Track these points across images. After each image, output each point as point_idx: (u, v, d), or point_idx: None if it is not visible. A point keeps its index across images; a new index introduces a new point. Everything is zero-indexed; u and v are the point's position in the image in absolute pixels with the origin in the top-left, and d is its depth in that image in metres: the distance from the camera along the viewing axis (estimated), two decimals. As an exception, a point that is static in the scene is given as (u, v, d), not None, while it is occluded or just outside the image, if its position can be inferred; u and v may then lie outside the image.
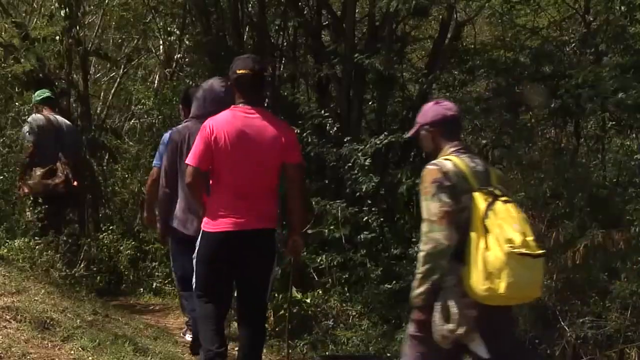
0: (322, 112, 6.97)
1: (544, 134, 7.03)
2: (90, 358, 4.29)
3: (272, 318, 6.25)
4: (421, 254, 3.38)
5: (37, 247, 5.61)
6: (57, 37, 8.06)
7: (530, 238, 3.25)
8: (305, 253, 6.57)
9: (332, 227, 6.58)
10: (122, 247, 7.70)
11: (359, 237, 6.44)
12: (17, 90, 8.47)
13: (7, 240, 5.74)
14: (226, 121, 4.13)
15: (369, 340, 5.79)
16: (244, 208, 4.07)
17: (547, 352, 4.96)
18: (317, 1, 8.43)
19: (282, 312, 6.11)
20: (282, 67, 9.04)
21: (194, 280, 4.27)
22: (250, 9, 8.99)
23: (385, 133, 6.71)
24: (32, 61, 7.81)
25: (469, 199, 3.35)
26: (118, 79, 10.06)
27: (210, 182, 4.16)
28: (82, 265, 6.41)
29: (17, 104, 8.52)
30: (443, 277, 3.35)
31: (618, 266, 4.95)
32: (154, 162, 5.24)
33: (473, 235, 3.30)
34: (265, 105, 8.63)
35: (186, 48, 9.57)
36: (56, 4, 8.11)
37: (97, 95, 10.04)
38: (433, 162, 3.46)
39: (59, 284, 5.46)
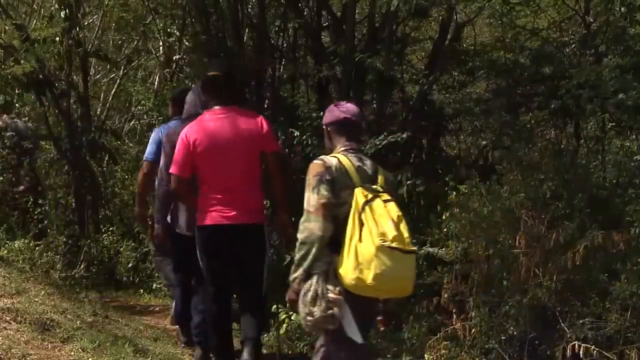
0: (322, 113, 6.96)
1: (543, 135, 7.04)
2: (90, 359, 4.30)
3: (271, 319, 6.25)
4: (297, 242, 3.57)
5: (37, 248, 5.62)
6: (57, 38, 8.06)
7: (405, 236, 3.51)
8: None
9: (332, 228, 6.57)
10: (122, 249, 7.71)
11: (358, 238, 6.43)
12: (17, 91, 8.47)
13: (7, 242, 5.74)
14: (200, 126, 4.44)
15: (368, 341, 5.78)
16: (232, 203, 4.33)
17: (547, 353, 4.96)
18: (317, 2, 8.43)
19: (282, 313, 6.12)
20: (282, 68, 9.05)
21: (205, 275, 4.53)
22: (250, 10, 8.99)
23: (385, 134, 6.71)
24: (32, 62, 7.81)
25: (349, 195, 3.57)
26: (118, 80, 10.07)
27: (198, 183, 4.44)
28: (82, 267, 6.42)
29: (17, 105, 8.51)
30: (314, 264, 3.54)
31: (618, 267, 4.94)
32: (145, 156, 5.47)
33: (349, 227, 3.50)
34: (265, 106, 8.69)
35: (186, 49, 9.57)
36: (56, 5, 8.12)
37: (97, 97, 10.05)
38: (320, 157, 3.71)
39: (59, 285, 5.47)
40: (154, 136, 5.46)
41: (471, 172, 6.59)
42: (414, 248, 3.61)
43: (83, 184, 8.36)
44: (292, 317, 6.03)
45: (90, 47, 8.97)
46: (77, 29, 8.27)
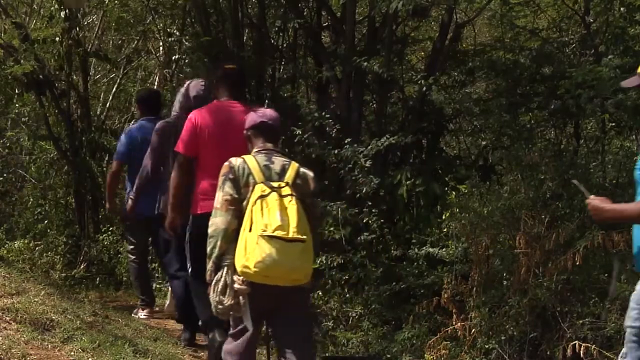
0: (323, 113, 6.97)
1: (543, 135, 7.04)
2: (90, 359, 4.30)
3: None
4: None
5: (37, 248, 5.62)
6: (57, 39, 8.06)
7: (292, 226, 3.74)
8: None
9: (332, 228, 6.58)
10: (122, 249, 7.70)
11: (359, 238, 6.44)
12: (17, 91, 8.47)
13: (7, 242, 5.74)
14: (210, 113, 4.78)
15: (368, 341, 5.79)
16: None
17: (546, 353, 4.96)
18: (317, 2, 8.43)
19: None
20: (281, 68, 9.04)
21: (189, 264, 4.86)
22: (250, 10, 8.98)
23: (387, 135, 6.71)
24: (32, 62, 7.81)
25: (251, 191, 3.88)
26: (118, 80, 10.06)
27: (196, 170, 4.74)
28: (82, 267, 6.42)
29: (17, 105, 8.51)
30: (222, 256, 3.88)
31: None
32: (115, 156, 6.03)
33: (245, 219, 3.82)
34: (265, 106, 8.68)
35: (186, 49, 9.57)
36: (56, 5, 8.11)
37: (96, 97, 10.04)
38: (231, 159, 4.05)
39: (59, 285, 5.47)
40: (123, 137, 5.93)
41: (471, 172, 6.59)
42: (301, 237, 3.76)
43: (83, 184, 8.35)
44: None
45: (90, 47, 8.96)
46: (77, 29, 8.27)
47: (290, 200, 3.83)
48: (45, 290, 5.13)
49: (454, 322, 5.30)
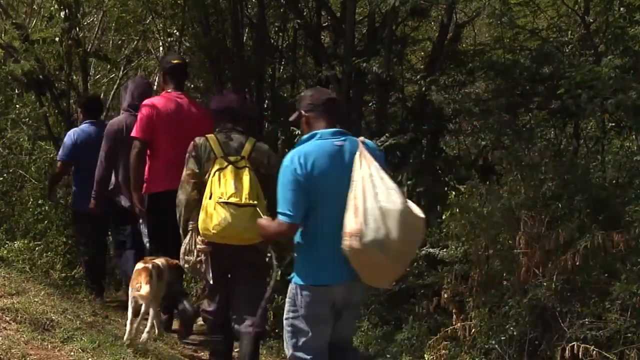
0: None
1: (543, 135, 7.03)
2: (90, 359, 4.30)
3: (271, 319, 6.25)
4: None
5: (37, 248, 5.62)
6: (57, 39, 8.05)
7: (244, 194, 4.32)
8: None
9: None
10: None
11: (359, 238, 6.43)
12: (17, 91, 8.46)
13: (7, 242, 5.74)
14: (162, 102, 5.41)
15: (368, 341, 5.79)
16: (173, 171, 4.94)
17: (546, 353, 4.96)
18: (317, 2, 8.43)
19: (282, 313, 6.11)
20: (281, 68, 9.05)
21: (145, 240, 5.48)
22: (250, 10, 8.98)
23: (387, 135, 6.71)
24: (31, 62, 7.81)
25: (212, 165, 4.45)
26: (118, 80, 10.06)
27: (149, 152, 5.32)
28: (81, 267, 6.41)
29: (17, 105, 8.50)
30: (187, 222, 4.53)
31: (618, 267, 4.94)
32: (59, 156, 6.46)
33: (206, 189, 4.41)
34: (265, 106, 8.68)
35: (185, 49, 9.57)
36: (56, 6, 8.10)
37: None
38: (196, 138, 4.60)
39: (59, 285, 5.46)
40: (67, 140, 6.36)
41: (471, 173, 6.59)
42: (252, 202, 4.32)
43: (83, 184, 8.34)
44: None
45: (90, 47, 8.96)
46: (77, 29, 8.26)
47: (245, 171, 4.41)
48: (45, 290, 5.13)
49: (453, 322, 5.30)
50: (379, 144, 6.56)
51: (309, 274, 3.79)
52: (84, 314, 5.05)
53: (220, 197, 4.32)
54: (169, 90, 5.49)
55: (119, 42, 10.76)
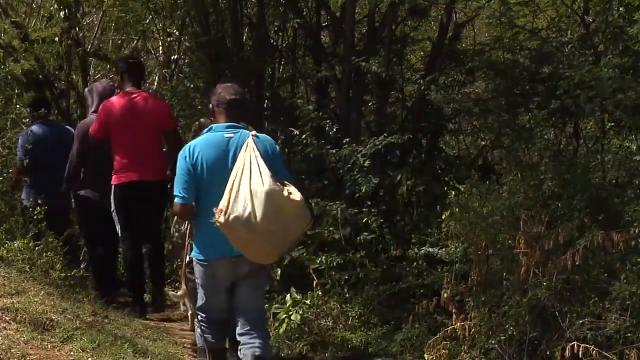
0: (321, 114, 6.98)
1: (543, 135, 7.03)
2: (90, 359, 4.30)
3: (271, 320, 6.25)
4: None
5: (37, 248, 5.61)
6: (57, 39, 8.06)
7: None
8: (304, 254, 6.59)
9: (331, 229, 6.59)
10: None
11: (358, 238, 6.44)
12: (17, 91, 8.47)
13: (7, 242, 5.74)
14: (119, 101, 5.87)
15: (368, 341, 5.79)
16: (140, 164, 5.64)
17: (546, 353, 4.96)
18: (317, 2, 8.43)
19: (281, 313, 6.12)
20: (281, 68, 9.05)
21: (118, 228, 5.96)
22: (249, 10, 8.99)
23: (385, 134, 6.71)
24: (31, 62, 7.82)
25: None
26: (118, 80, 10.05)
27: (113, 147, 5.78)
28: (82, 267, 6.41)
29: (17, 105, 8.50)
30: None
31: (618, 267, 4.94)
32: (18, 157, 6.84)
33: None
34: (265, 106, 8.68)
35: (185, 49, 9.57)
36: (55, 6, 8.11)
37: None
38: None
39: (59, 285, 5.46)
40: (22, 140, 6.73)
41: (471, 173, 6.59)
42: None
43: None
44: (292, 317, 6.04)
45: (90, 47, 8.97)
46: (77, 29, 8.27)
47: None
48: (45, 290, 5.12)
49: (453, 322, 5.29)
50: (378, 143, 6.58)
51: (200, 250, 4.36)
52: (84, 314, 5.05)
53: None
54: (127, 89, 5.93)
55: (119, 42, 10.77)
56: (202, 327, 4.45)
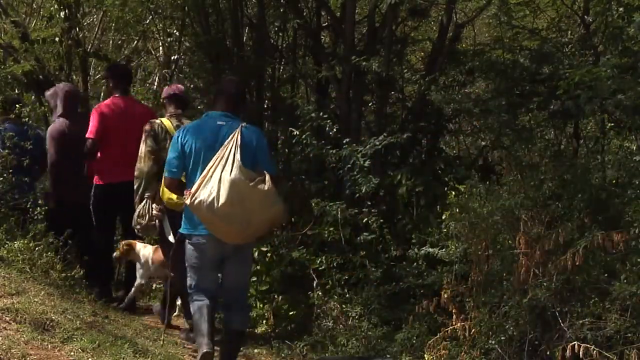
0: (321, 114, 6.98)
1: (543, 135, 7.03)
2: (90, 359, 4.30)
3: (271, 319, 6.25)
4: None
5: (37, 248, 5.61)
6: (57, 39, 8.06)
7: None
8: (304, 254, 6.59)
9: (331, 229, 6.59)
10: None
11: (358, 238, 6.44)
12: (17, 91, 8.47)
13: (7, 242, 5.73)
14: (111, 106, 6.29)
15: (368, 341, 5.79)
16: (125, 166, 5.78)
17: (546, 353, 4.96)
18: (317, 2, 8.42)
19: (281, 313, 6.12)
20: (281, 68, 9.04)
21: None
22: (249, 10, 8.98)
23: (385, 134, 6.71)
24: (31, 62, 7.82)
25: (168, 144, 5.16)
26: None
27: (100, 149, 6.14)
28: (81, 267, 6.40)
29: (17, 105, 8.49)
30: (145, 191, 5.46)
31: (618, 267, 4.94)
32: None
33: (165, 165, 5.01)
34: (265, 106, 8.67)
35: (185, 49, 9.57)
36: (55, 6, 8.11)
37: (96, 97, 10.04)
38: (152, 120, 5.65)
39: (59, 285, 5.46)
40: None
41: (471, 173, 6.59)
42: None
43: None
44: (292, 318, 6.04)
45: (90, 47, 8.97)
46: (77, 29, 8.27)
47: None
48: (45, 290, 5.13)
49: (453, 322, 5.29)
50: (377, 143, 6.57)
51: (188, 226, 4.79)
52: (84, 314, 5.05)
53: None
54: (116, 95, 6.37)
55: (119, 42, 10.77)
56: (194, 294, 4.81)
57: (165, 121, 5.58)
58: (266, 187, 4.62)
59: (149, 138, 5.48)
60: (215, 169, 4.61)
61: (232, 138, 4.67)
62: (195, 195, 4.58)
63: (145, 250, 6.14)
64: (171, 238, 5.27)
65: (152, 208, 5.43)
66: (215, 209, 4.54)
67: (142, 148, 5.49)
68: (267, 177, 4.64)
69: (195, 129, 4.85)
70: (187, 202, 4.61)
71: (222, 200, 4.53)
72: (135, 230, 5.63)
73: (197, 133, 4.81)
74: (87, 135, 6.15)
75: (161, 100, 5.88)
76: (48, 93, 6.84)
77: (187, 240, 4.79)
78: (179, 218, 4.97)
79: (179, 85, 6.06)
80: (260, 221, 4.70)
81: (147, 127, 5.54)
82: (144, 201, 5.46)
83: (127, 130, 6.07)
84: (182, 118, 5.65)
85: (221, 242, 4.67)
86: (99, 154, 6.22)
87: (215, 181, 4.56)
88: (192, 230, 4.75)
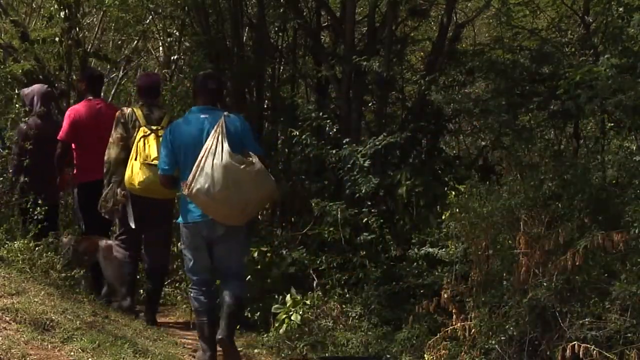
0: (321, 114, 6.97)
1: (543, 135, 7.03)
2: (90, 359, 4.30)
3: (271, 319, 6.25)
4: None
5: (37, 248, 5.61)
6: (57, 39, 8.06)
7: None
8: (304, 254, 6.59)
9: (331, 229, 6.58)
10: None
11: (358, 238, 6.44)
12: (17, 91, 8.46)
13: (7, 242, 5.74)
14: (84, 109, 6.50)
15: (368, 341, 5.79)
16: (99, 164, 6.04)
17: (546, 353, 4.96)
18: (317, 2, 8.42)
19: (281, 314, 6.12)
20: (281, 68, 9.04)
21: (81, 222, 6.58)
22: (249, 10, 8.98)
23: (385, 134, 6.71)
24: (31, 62, 7.82)
25: (136, 132, 5.79)
26: (117, 80, 10.07)
27: (75, 148, 6.43)
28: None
29: (17, 105, 8.50)
30: (112, 176, 5.90)
31: (618, 267, 4.94)
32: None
33: (132, 151, 5.73)
34: (265, 106, 8.67)
35: (185, 49, 9.56)
36: (55, 6, 8.11)
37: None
38: (123, 108, 6.16)
39: (59, 285, 5.46)
40: None
41: (471, 173, 6.59)
42: None
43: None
44: (292, 318, 6.04)
45: (90, 47, 8.97)
46: (77, 29, 8.26)
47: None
48: (45, 290, 5.13)
49: (453, 322, 5.29)
50: (377, 143, 6.57)
51: (184, 215, 5.19)
52: (84, 314, 5.05)
53: (145, 159, 5.65)
54: (89, 98, 6.58)
55: (119, 42, 10.77)
56: (192, 290, 5.27)
57: (137, 109, 5.95)
58: (256, 168, 5.00)
59: (119, 125, 5.89)
60: (207, 158, 4.93)
61: (217, 128, 5.00)
62: (192, 185, 4.92)
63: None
64: (132, 223, 5.79)
65: (117, 193, 5.84)
66: (213, 195, 4.90)
67: (112, 135, 5.90)
68: (256, 158, 5.01)
69: (182, 126, 5.21)
70: (185, 192, 4.96)
71: (218, 186, 4.89)
72: (102, 213, 6.03)
73: (183, 129, 5.17)
74: (58, 137, 6.41)
75: (135, 89, 6.56)
76: (25, 90, 7.10)
77: (182, 228, 5.24)
78: (142, 204, 5.75)
79: (151, 75, 6.58)
80: (256, 199, 5.11)
81: (118, 114, 5.95)
82: (110, 185, 5.89)
83: (100, 131, 6.23)
84: (152, 107, 5.99)
85: (213, 226, 5.06)
86: (74, 155, 6.49)
87: (209, 169, 4.90)
88: (186, 219, 5.16)
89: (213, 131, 4.99)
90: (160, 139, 5.52)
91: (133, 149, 5.73)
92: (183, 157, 5.10)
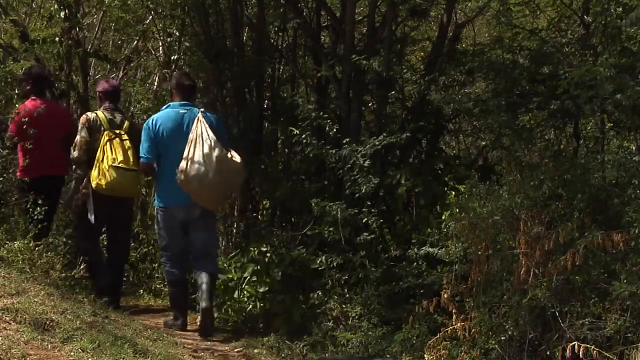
0: (321, 114, 6.97)
1: (543, 135, 7.03)
2: (90, 359, 4.30)
3: (271, 319, 6.25)
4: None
5: (37, 248, 5.61)
6: (57, 39, 8.05)
7: (130, 160, 6.20)
8: (304, 254, 6.59)
9: (331, 229, 6.58)
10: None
11: (358, 238, 6.44)
12: (17, 91, 8.46)
13: (7, 242, 5.74)
14: (30, 107, 6.75)
15: (368, 341, 5.79)
16: (54, 161, 6.62)
17: (546, 353, 4.96)
18: (317, 2, 8.42)
19: (282, 314, 6.12)
20: (281, 68, 9.04)
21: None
22: (249, 10, 8.97)
23: (384, 134, 6.71)
24: (31, 62, 7.81)
25: (101, 135, 6.26)
26: (117, 80, 10.04)
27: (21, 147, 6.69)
28: (81, 267, 6.41)
29: (17, 105, 8.50)
30: (74, 173, 6.41)
31: (618, 267, 4.94)
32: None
33: (98, 154, 6.19)
34: (265, 106, 8.66)
35: (185, 49, 9.56)
36: (55, 6, 8.10)
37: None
38: (87, 112, 6.62)
39: (59, 285, 5.46)
40: None
41: (470, 173, 6.59)
42: (135, 167, 6.23)
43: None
44: (292, 318, 6.04)
45: (90, 47, 8.96)
46: (77, 29, 8.26)
47: (128, 143, 6.24)
48: (45, 290, 5.12)
49: (453, 322, 5.29)
50: (377, 143, 6.58)
51: (161, 199, 6.12)
52: (84, 314, 5.05)
53: (112, 162, 6.13)
54: (33, 97, 6.88)
55: (119, 42, 10.77)
56: (166, 264, 6.19)
57: (100, 114, 6.44)
58: (239, 159, 6.00)
59: (84, 129, 6.37)
60: (195, 148, 5.78)
61: (197, 122, 5.88)
62: (188, 171, 5.74)
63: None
64: (92, 218, 6.28)
65: (79, 189, 6.32)
66: (206, 181, 5.76)
67: (77, 138, 6.38)
68: (233, 152, 5.97)
69: (163, 119, 6.06)
70: (181, 178, 5.77)
71: (211, 173, 5.78)
72: (62, 204, 6.72)
73: (164, 122, 6.03)
74: (8, 132, 6.84)
75: (96, 93, 6.79)
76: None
77: (158, 211, 6.13)
78: (106, 202, 6.24)
79: (113, 81, 7.07)
80: (234, 186, 6.29)
81: (82, 119, 6.44)
82: (73, 182, 6.45)
83: (44, 129, 6.54)
84: (114, 112, 6.50)
85: (189, 210, 5.99)
86: (19, 152, 6.78)
87: (200, 158, 5.76)
88: (165, 203, 6.07)
89: (194, 124, 5.86)
90: (125, 142, 6.22)
91: (99, 151, 6.20)
92: (165, 148, 5.97)
